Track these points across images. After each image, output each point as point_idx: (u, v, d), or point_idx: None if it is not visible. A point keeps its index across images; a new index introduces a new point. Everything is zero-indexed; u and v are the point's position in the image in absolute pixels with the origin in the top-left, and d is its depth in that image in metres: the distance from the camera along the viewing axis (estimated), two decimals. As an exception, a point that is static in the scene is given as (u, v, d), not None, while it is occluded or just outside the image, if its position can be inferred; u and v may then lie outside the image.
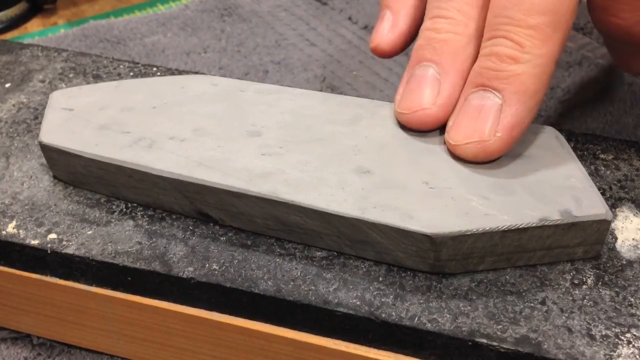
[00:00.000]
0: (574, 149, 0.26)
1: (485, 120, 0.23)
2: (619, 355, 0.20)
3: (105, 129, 0.25)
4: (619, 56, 0.29)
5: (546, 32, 0.22)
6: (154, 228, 0.24)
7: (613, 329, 0.21)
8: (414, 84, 0.24)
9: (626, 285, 0.22)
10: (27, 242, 0.24)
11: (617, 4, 0.24)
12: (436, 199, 0.22)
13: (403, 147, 0.25)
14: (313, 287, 0.22)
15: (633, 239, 0.24)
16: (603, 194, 0.25)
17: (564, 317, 0.21)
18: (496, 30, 0.23)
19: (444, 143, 0.24)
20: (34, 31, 0.48)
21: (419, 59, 0.25)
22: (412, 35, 0.27)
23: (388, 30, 0.26)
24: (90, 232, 0.24)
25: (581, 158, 0.26)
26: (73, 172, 0.25)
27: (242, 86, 0.28)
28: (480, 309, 0.21)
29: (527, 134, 0.25)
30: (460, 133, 0.23)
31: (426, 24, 0.25)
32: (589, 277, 0.22)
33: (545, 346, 0.20)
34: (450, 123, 0.24)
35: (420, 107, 0.24)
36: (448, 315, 0.21)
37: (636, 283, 0.22)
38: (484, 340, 0.21)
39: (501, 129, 0.23)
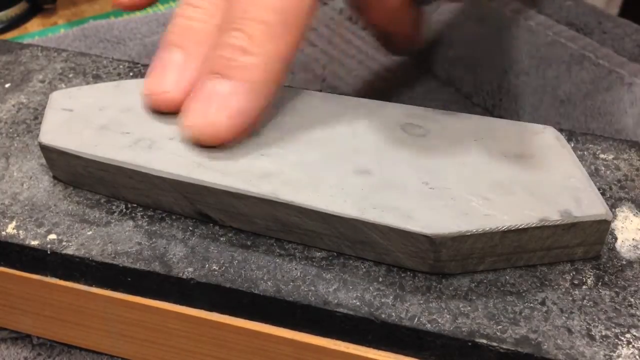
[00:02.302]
0: (574, 149, 0.26)
1: (214, 104, 0.24)
2: (618, 356, 0.20)
3: (105, 129, 0.25)
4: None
5: (277, 29, 0.24)
6: (154, 228, 0.24)
7: (613, 330, 0.21)
8: (160, 67, 0.25)
9: (626, 285, 0.22)
10: (27, 242, 0.24)
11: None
12: (436, 200, 0.22)
13: (403, 147, 0.24)
14: (313, 288, 0.22)
15: (633, 239, 0.24)
16: (603, 194, 0.25)
17: (563, 318, 0.21)
18: (232, 23, 0.24)
19: (444, 143, 0.24)
20: (34, 31, 0.48)
21: (167, 43, 0.25)
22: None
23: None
24: (90, 232, 0.24)
25: (581, 158, 0.26)
26: (73, 172, 0.25)
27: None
28: (480, 310, 0.21)
29: (527, 134, 0.25)
30: (191, 116, 0.24)
31: (177, 9, 0.26)
32: (588, 278, 0.22)
33: (545, 346, 0.20)
34: (185, 107, 0.24)
35: (162, 90, 0.25)
36: (448, 316, 0.21)
37: (636, 283, 0.22)
38: (484, 341, 0.21)
39: (228, 114, 0.24)
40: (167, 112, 0.25)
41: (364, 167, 0.24)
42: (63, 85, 0.31)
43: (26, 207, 0.25)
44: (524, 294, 0.22)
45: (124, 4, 0.29)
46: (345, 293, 0.22)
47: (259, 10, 0.24)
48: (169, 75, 0.25)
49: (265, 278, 0.22)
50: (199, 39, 0.25)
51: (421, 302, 0.22)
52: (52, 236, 0.24)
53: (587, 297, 0.22)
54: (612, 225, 0.24)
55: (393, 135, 0.25)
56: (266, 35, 0.24)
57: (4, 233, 0.24)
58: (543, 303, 0.22)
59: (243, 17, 0.24)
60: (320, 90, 0.32)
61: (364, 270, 0.23)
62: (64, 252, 0.24)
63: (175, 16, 0.26)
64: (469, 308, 0.21)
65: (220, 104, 0.24)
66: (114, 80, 0.31)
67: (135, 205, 0.25)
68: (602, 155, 0.27)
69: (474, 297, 0.22)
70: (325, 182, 0.23)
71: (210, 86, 0.24)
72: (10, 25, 0.48)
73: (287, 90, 0.28)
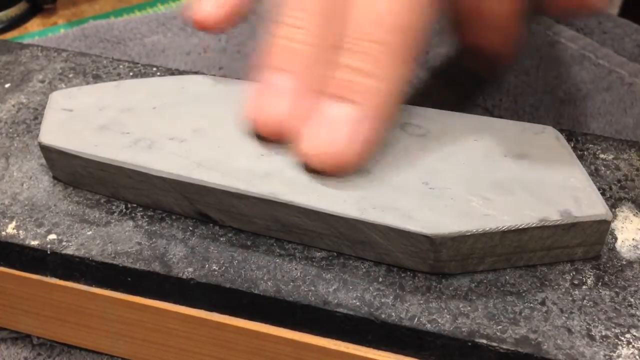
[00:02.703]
0: (574, 149, 0.26)
1: (341, 131, 0.22)
2: (618, 356, 0.20)
3: (105, 129, 0.25)
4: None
5: (400, 51, 0.22)
6: (154, 229, 0.24)
7: (613, 330, 0.21)
8: (269, 93, 0.24)
9: (626, 285, 0.22)
10: (27, 242, 0.24)
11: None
12: (436, 200, 0.22)
13: (403, 147, 0.24)
14: (313, 288, 0.22)
15: (633, 239, 0.24)
16: (603, 194, 0.25)
17: (563, 318, 0.21)
18: (354, 45, 0.23)
19: (444, 143, 0.24)
20: (34, 31, 0.48)
21: (269, 66, 0.24)
22: (240, 13, 0.26)
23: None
24: (90, 232, 0.24)
25: (581, 158, 0.26)
26: (73, 172, 0.25)
27: (242, 86, 0.28)
28: (480, 310, 0.21)
29: (527, 134, 0.25)
30: (315, 143, 0.23)
31: (279, 30, 0.24)
32: (588, 278, 0.22)
33: (545, 347, 0.20)
34: (304, 133, 0.23)
35: (274, 116, 0.24)
36: (448, 316, 0.21)
37: (636, 283, 0.22)
38: (484, 341, 0.21)
39: (356, 142, 0.22)
40: (273, 139, 0.24)
41: (364, 167, 0.24)
42: (63, 85, 0.31)
43: (26, 207, 0.25)
44: (524, 294, 0.22)
45: (204, 23, 0.26)
46: (345, 293, 0.22)
47: (380, 31, 0.22)
48: (277, 99, 0.23)
49: (265, 278, 0.22)
50: (307, 62, 0.23)
51: (421, 302, 0.22)
52: (52, 236, 0.24)
53: (587, 297, 0.22)
54: (612, 225, 0.24)
55: (393, 135, 0.25)
56: (391, 58, 0.22)
57: (4, 233, 0.24)
58: (543, 303, 0.22)
59: (363, 38, 0.22)
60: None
61: (364, 270, 0.23)
62: (64, 252, 0.24)
63: (277, 37, 0.24)
64: (469, 308, 0.21)
65: (347, 131, 0.22)
66: (114, 80, 0.31)
67: (135, 205, 0.25)
68: (602, 155, 0.27)
69: (474, 297, 0.22)
70: (325, 182, 0.23)
71: (332, 111, 0.22)
72: (10, 25, 0.48)
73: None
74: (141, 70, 0.31)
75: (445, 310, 0.21)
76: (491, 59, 0.30)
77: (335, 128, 0.22)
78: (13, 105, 0.30)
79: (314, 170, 0.23)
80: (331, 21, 0.23)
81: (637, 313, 0.21)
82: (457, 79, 0.39)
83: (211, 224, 0.24)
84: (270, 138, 0.24)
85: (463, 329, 0.21)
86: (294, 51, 0.24)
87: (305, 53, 0.23)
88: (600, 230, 0.22)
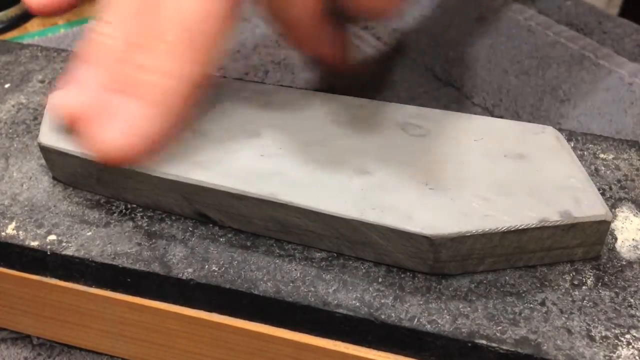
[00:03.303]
0: (574, 149, 0.26)
1: (120, 126, 0.23)
2: (618, 357, 0.20)
3: (105, 129, 0.25)
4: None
5: (180, 48, 0.23)
6: (154, 229, 0.24)
7: (613, 330, 0.21)
8: (73, 84, 0.24)
9: (626, 286, 0.22)
10: (26, 243, 0.24)
11: None
12: (436, 200, 0.22)
13: (403, 147, 0.24)
14: (312, 288, 0.22)
15: (633, 239, 0.24)
16: (603, 194, 0.25)
17: (563, 318, 0.21)
18: (137, 40, 0.23)
19: (444, 143, 0.24)
20: (34, 31, 0.48)
21: (83, 59, 0.25)
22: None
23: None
24: (90, 233, 0.24)
25: (581, 158, 0.26)
26: (72, 173, 0.25)
27: (242, 86, 0.28)
28: (479, 310, 0.21)
29: (527, 134, 0.25)
30: (98, 136, 0.23)
31: (96, 26, 0.25)
32: (588, 278, 0.22)
33: (545, 347, 0.20)
34: (93, 126, 0.23)
35: (71, 107, 0.24)
36: (448, 317, 0.21)
37: (636, 284, 0.22)
38: (484, 342, 0.21)
39: (121, 132, 0.23)
40: (71, 126, 0.25)
41: (364, 167, 0.24)
42: (63, 86, 0.31)
43: (26, 208, 0.25)
44: (523, 295, 0.22)
45: (39, 8, 0.27)
46: (345, 294, 0.22)
47: (162, 27, 0.23)
48: (73, 89, 0.24)
49: (264, 279, 0.22)
50: (107, 55, 0.24)
51: (421, 302, 0.22)
52: (52, 237, 0.24)
53: (587, 298, 0.22)
54: (612, 225, 0.24)
55: (393, 135, 0.25)
56: (170, 55, 0.23)
57: (3, 234, 0.24)
58: (543, 304, 0.22)
59: (148, 35, 0.23)
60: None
61: (364, 270, 0.23)
62: (63, 252, 0.24)
63: (87, 31, 0.25)
64: (469, 309, 0.21)
65: (117, 122, 0.23)
66: (114, 80, 0.31)
67: (134, 205, 0.25)
68: (602, 155, 0.27)
69: (474, 298, 0.22)
70: (324, 182, 0.23)
71: (108, 101, 0.23)
72: (10, 25, 0.48)
73: (287, 90, 0.28)
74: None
75: (445, 311, 0.21)
76: (324, 63, 0.31)
77: (114, 122, 0.23)
78: (13, 106, 0.30)
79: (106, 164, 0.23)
80: (141, 21, 0.24)
81: (637, 313, 0.21)
82: (457, 78, 0.39)
83: (211, 225, 0.24)
84: (68, 124, 0.25)
85: (463, 330, 0.21)
86: (102, 46, 0.24)
87: (111, 48, 0.24)
88: (600, 231, 0.22)
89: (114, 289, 0.24)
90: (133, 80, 0.23)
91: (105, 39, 0.24)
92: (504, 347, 0.21)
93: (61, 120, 0.25)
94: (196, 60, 0.23)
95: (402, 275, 0.22)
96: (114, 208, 0.25)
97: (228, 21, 0.24)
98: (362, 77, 0.39)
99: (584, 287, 0.22)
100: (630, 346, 0.20)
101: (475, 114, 0.27)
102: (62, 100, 0.25)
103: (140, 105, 0.23)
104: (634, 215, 0.24)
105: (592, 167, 0.26)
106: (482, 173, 0.23)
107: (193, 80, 0.23)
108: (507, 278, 0.22)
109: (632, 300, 0.22)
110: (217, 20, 0.23)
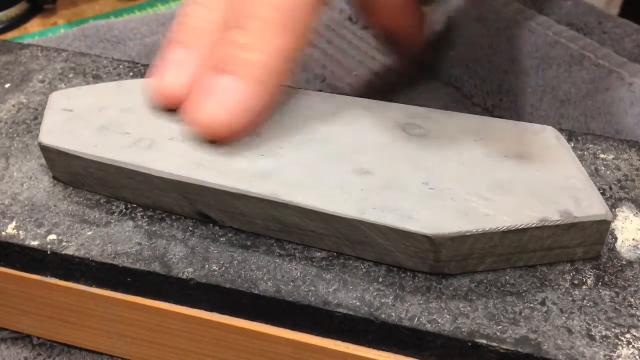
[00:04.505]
0: (574, 149, 0.26)
1: (213, 98, 0.24)
2: (618, 356, 0.20)
3: (105, 129, 0.25)
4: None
5: (278, 27, 0.24)
6: (154, 229, 0.24)
7: (613, 330, 0.21)
8: (163, 65, 0.26)
9: (626, 285, 0.22)
10: (26, 243, 0.24)
11: None
12: (436, 200, 0.22)
13: (403, 147, 0.24)
14: (313, 288, 0.22)
15: (633, 239, 0.24)
16: (603, 194, 0.25)
17: (563, 318, 0.21)
18: (235, 20, 0.24)
19: (444, 143, 0.24)
20: (34, 31, 0.48)
21: (171, 41, 0.26)
22: None
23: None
24: (90, 232, 0.24)
25: (581, 158, 0.26)
26: (73, 172, 0.25)
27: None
28: (480, 310, 0.21)
29: (527, 134, 0.25)
30: (193, 110, 0.24)
31: (182, 8, 0.26)
32: (588, 278, 0.22)
33: (545, 347, 0.20)
34: (192, 104, 0.25)
35: (172, 88, 0.25)
36: (448, 316, 0.21)
37: (636, 283, 0.22)
38: (484, 341, 0.21)
39: (226, 109, 0.24)
40: (172, 108, 0.26)
41: (364, 167, 0.24)
42: (63, 85, 0.31)
43: (26, 208, 0.25)
44: (523, 294, 0.22)
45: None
46: (345, 293, 0.22)
47: (260, 8, 0.24)
48: (171, 71, 0.25)
49: (265, 278, 0.22)
50: (203, 36, 0.25)
51: (421, 302, 0.22)
52: (52, 236, 0.24)
53: (587, 297, 0.22)
54: (612, 225, 0.24)
55: (393, 135, 0.25)
56: (267, 33, 0.24)
57: (3, 233, 0.24)
58: (543, 303, 0.22)
59: (245, 15, 0.24)
60: (320, 90, 0.32)
61: (364, 270, 0.23)
62: (64, 252, 0.24)
63: (180, 14, 0.26)
64: (469, 308, 0.21)
65: (219, 98, 0.24)
66: (114, 80, 0.31)
67: (135, 205, 0.25)
68: (602, 155, 0.27)
69: (474, 298, 0.22)
70: (325, 182, 0.23)
71: (210, 81, 0.24)
72: (10, 25, 0.48)
73: (287, 90, 0.28)
74: (141, 70, 0.31)
75: (445, 311, 0.21)
76: (400, 39, 0.33)
77: (209, 95, 0.24)
78: (13, 105, 0.30)
79: (200, 138, 0.24)
80: (235, 1, 0.25)
81: (637, 313, 0.21)
82: (457, 78, 0.39)
83: (211, 224, 0.24)
84: (168, 107, 0.26)
85: (463, 329, 0.21)
86: (193, 27, 0.26)
87: (202, 28, 0.25)
88: (600, 230, 0.22)
89: (114, 288, 0.24)
90: (231, 58, 0.24)
91: (198, 21, 0.25)
92: (504, 347, 0.21)
93: (162, 103, 0.26)
94: (292, 38, 0.24)
95: (402, 275, 0.22)
96: (114, 208, 0.25)
97: (318, 2, 0.25)
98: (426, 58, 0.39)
99: (584, 287, 0.22)
100: (631, 346, 0.20)
101: (475, 114, 0.27)
102: (162, 82, 0.25)
103: (240, 82, 0.24)
104: (634, 215, 0.24)
105: (592, 167, 0.26)
106: (482, 173, 0.23)
107: (287, 57, 0.24)
108: (507, 277, 0.22)
109: (632, 299, 0.22)
110: (309, 1, 0.24)
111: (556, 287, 0.22)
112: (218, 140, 0.24)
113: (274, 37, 0.24)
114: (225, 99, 0.24)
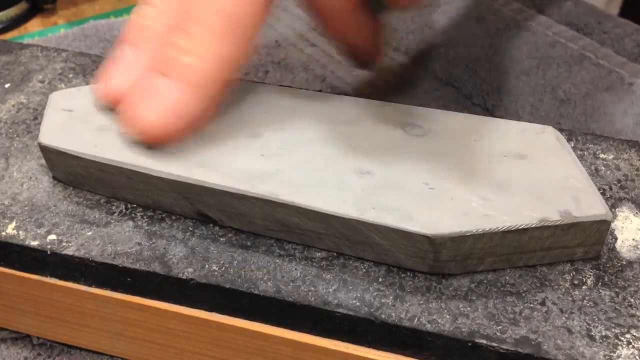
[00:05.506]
0: (574, 149, 0.26)
1: (150, 101, 0.24)
2: (618, 356, 0.20)
3: (105, 130, 0.25)
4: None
5: (219, 34, 0.24)
6: (154, 229, 0.24)
7: (613, 330, 0.21)
8: (111, 63, 0.26)
9: (626, 285, 0.22)
10: (26, 243, 0.24)
11: None
12: (436, 200, 0.22)
13: (403, 147, 0.24)
14: (313, 288, 0.22)
15: (633, 239, 0.24)
16: (603, 194, 0.25)
17: (563, 318, 0.21)
18: (179, 23, 0.24)
19: (444, 143, 0.24)
20: (34, 31, 0.48)
21: (121, 40, 0.26)
22: None
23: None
24: (90, 233, 0.24)
25: (581, 158, 0.26)
26: (73, 173, 0.25)
27: (242, 86, 0.28)
28: (480, 310, 0.21)
29: (527, 134, 0.25)
30: (135, 115, 0.24)
31: (137, 8, 0.26)
32: (588, 278, 0.22)
33: (545, 347, 0.20)
34: (131, 105, 0.24)
35: (115, 87, 0.25)
36: (448, 316, 0.21)
37: (636, 283, 0.22)
38: (484, 341, 0.21)
39: (159, 112, 0.24)
40: (113, 106, 0.25)
41: (364, 167, 0.24)
42: (63, 85, 0.31)
43: (26, 208, 0.25)
44: (524, 294, 0.22)
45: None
46: (345, 293, 0.22)
47: (205, 13, 0.24)
48: (118, 71, 0.25)
49: (265, 278, 0.22)
50: (152, 37, 0.25)
51: (421, 302, 0.22)
52: (52, 236, 0.24)
53: (587, 298, 0.22)
54: (612, 225, 0.24)
55: (393, 135, 0.25)
56: (208, 39, 0.24)
57: (4, 233, 0.24)
58: (543, 303, 0.22)
59: (190, 19, 0.24)
60: (320, 90, 0.32)
61: (364, 270, 0.23)
62: (63, 252, 0.24)
63: (132, 14, 0.26)
64: (469, 308, 0.21)
65: (155, 101, 0.24)
66: (114, 80, 0.31)
67: (135, 205, 0.25)
68: (602, 155, 0.27)
69: (474, 298, 0.22)
70: (325, 182, 0.23)
71: (149, 82, 0.24)
72: (10, 25, 0.48)
73: (287, 90, 0.28)
74: (141, 70, 0.31)
75: (445, 311, 0.21)
76: (357, 51, 0.32)
77: (152, 101, 0.24)
78: (13, 106, 0.30)
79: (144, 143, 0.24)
80: (184, 5, 0.25)
81: (637, 313, 0.21)
82: (457, 78, 0.39)
83: (211, 225, 0.24)
84: (111, 106, 0.26)
85: (463, 329, 0.21)
86: (143, 27, 0.26)
87: (156, 31, 0.25)
88: (600, 231, 0.22)
89: (114, 288, 0.24)
90: (170, 61, 0.24)
91: (148, 22, 0.25)
92: (504, 347, 0.21)
93: (106, 103, 0.26)
94: (235, 46, 0.24)
95: (402, 275, 0.22)
96: (114, 208, 0.25)
97: (265, 9, 0.24)
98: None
99: (584, 287, 0.22)
100: (630, 346, 0.20)
101: (475, 114, 0.27)
102: (106, 81, 0.25)
103: (180, 87, 0.23)
104: (634, 215, 0.24)
105: (592, 167, 0.26)
106: (482, 173, 0.23)
107: (231, 65, 0.24)
108: (507, 278, 0.22)
109: (632, 299, 0.22)
110: (255, 7, 0.24)
111: (556, 287, 0.22)
112: (152, 143, 0.24)
113: (214, 44, 0.24)
114: (161, 103, 0.24)
